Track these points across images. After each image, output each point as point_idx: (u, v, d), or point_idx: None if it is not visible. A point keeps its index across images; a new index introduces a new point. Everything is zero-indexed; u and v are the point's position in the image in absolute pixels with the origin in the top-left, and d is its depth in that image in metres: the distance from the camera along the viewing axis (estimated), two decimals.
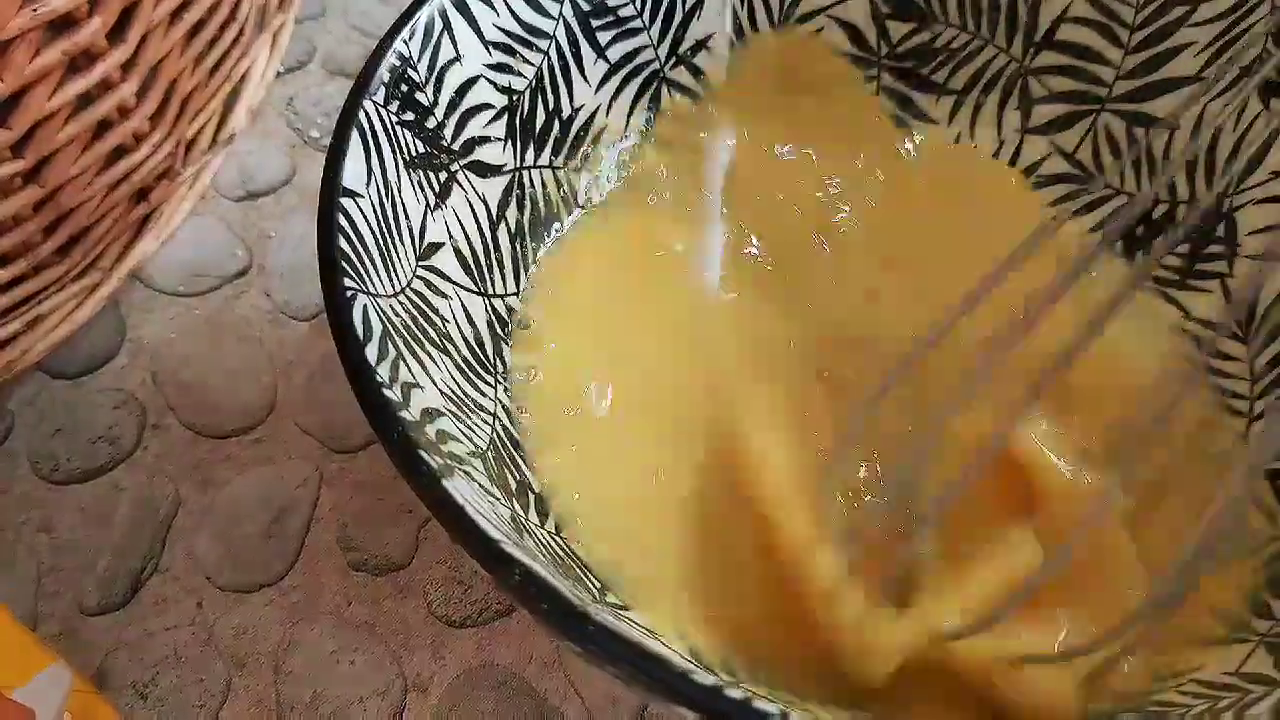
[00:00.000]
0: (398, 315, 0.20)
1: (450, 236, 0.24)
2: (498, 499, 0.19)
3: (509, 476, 0.22)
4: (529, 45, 0.26)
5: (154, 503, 0.28)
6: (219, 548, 0.27)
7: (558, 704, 0.25)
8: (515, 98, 0.26)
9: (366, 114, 0.21)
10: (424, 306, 0.22)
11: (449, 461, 0.18)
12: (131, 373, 0.30)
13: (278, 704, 0.25)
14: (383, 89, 0.22)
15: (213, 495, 0.28)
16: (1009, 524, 0.22)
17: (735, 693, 0.15)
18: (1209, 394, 0.26)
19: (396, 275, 0.21)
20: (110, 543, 0.27)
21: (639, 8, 0.28)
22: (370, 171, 0.21)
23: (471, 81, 0.25)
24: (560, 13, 0.26)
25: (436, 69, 0.24)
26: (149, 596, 0.26)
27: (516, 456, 0.23)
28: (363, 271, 0.19)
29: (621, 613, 0.20)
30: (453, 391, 0.21)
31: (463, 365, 0.22)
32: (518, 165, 0.26)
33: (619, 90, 0.28)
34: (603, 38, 0.27)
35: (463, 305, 0.24)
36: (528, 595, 0.15)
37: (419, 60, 0.23)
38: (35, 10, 0.22)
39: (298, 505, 0.28)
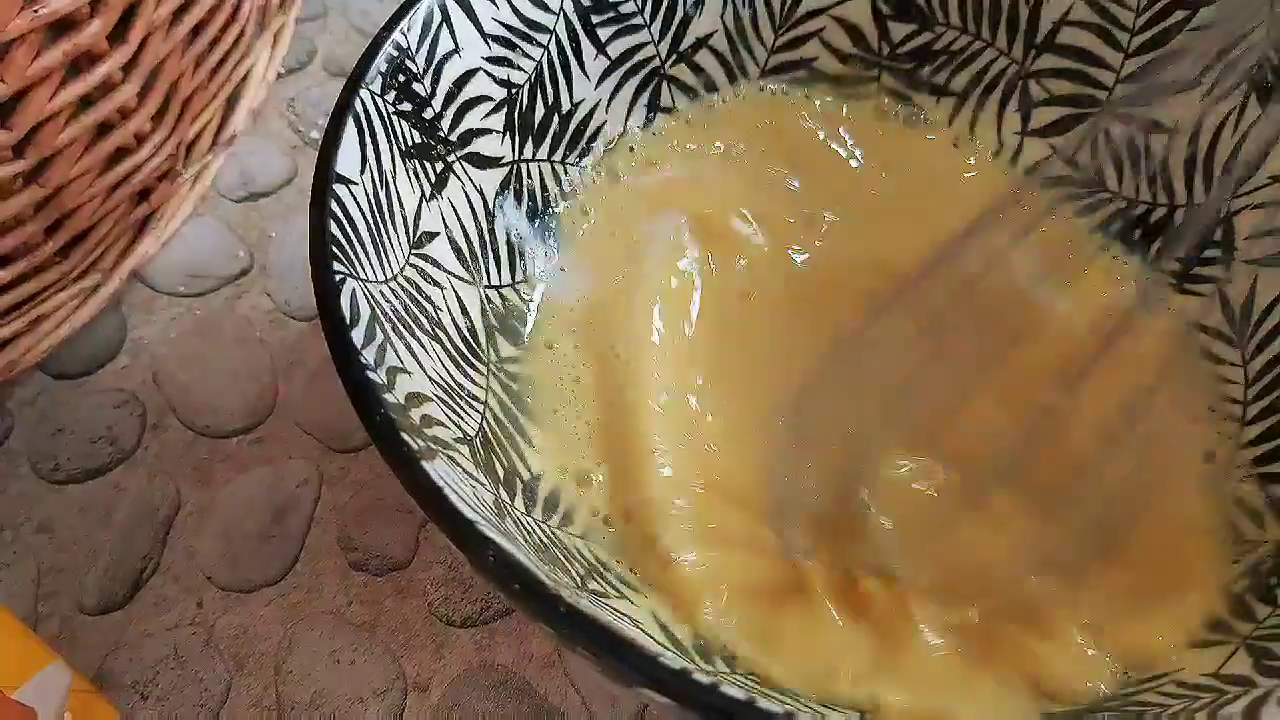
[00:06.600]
0: (388, 301, 0.20)
1: (445, 226, 0.24)
2: (482, 484, 0.19)
3: (497, 464, 0.22)
4: (529, 39, 0.26)
5: (154, 503, 0.28)
6: (219, 548, 0.27)
7: (558, 704, 0.25)
8: (514, 91, 0.26)
9: (363, 102, 0.21)
10: (416, 294, 0.22)
11: (432, 445, 0.18)
12: (132, 373, 0.30)
13: (278, 704, 0.25)
14: (380, 78, 0.22)
15: (213, 495, 0.28)
16: None
17: (703, 678, 0.15)
18: (1205, 397, 0.26)
19: (388, 262, 0.21)
20: (110, 543, 0.27)
21: (640, 4, 0.28)
22: (365, 159, 0.21)
23: (470, 74, 0.25)
24: (561, 7, 0.26)
25: (435, 60, 0.24)
26: (149, 596, 0.26)
27: (506, 444, 0.23)
28: (353, 257, 0.19)
29: (603, 600, 0.20)
30: (442, 379, 0.21)
31: (454, 353, 0.23)
32: (516, 158, 0.26)
33: (619, 86, 0.28)
34: (603, 33, 0.27)
35: (456, 295, 0.24)
36: (501, 576, 0.15)
37: (417, 51, 0.23)
38: (36, 12, 0.22)
39: (298, 505, 0.28)
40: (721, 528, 0.23)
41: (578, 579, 0.21)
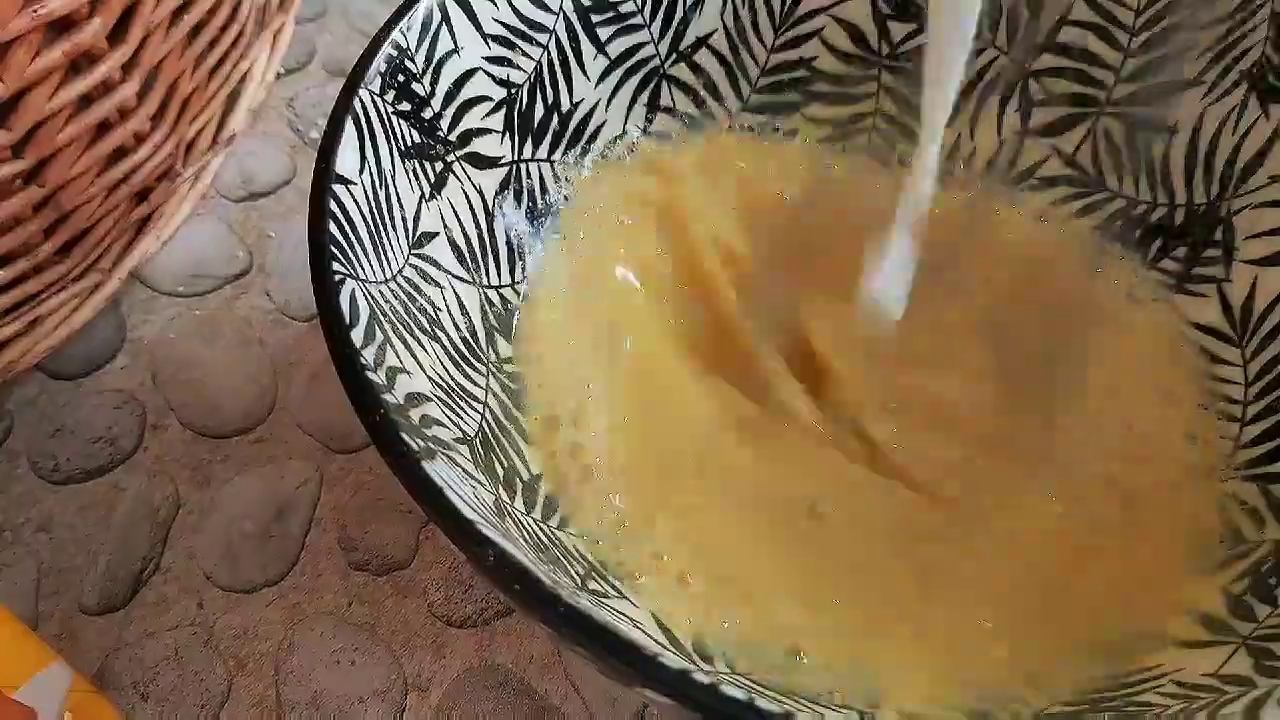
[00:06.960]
0: (387, 301, 0.20)
1: (445, 226, 0.24)
2: (482, 484, 0.19)
3: (497, 464, 0.22)
4: (528, 39, 0.26)
5: (154, 503, 0.28)
6: (219, 548, 0.27)
7: (558, 704, 0.25)
8: (514, 91, 0.26)
9: (362, 102, 0.21)
10: (415, 294, 0.22)
11: (431, 445, 0.18)
12: (132, 373, 0.30)
13: (278, 704, 0.25)
14: (379, 78, 0.22)
15: (213, 495, 0.28)
16: None
17: (703, 677, 0.15)
18: (1203, 398, 0.26)
19: (388, 262, 0.21)
20: (110, 543, 0.27)
21: (639, 4, 0.28)
22: (364, 159, 0.21)
23: (470, 74, 0.25)
24: (561, 7, 0.26)
25: (434, 60, 0.24)
26: (149, 596, 0.26)
27: (506, 445, 0.23)
28: (353, 257, 0.19)
29: (603, 600, 0.20)
30: (442, 379, 0.21)
31: (454, 353, 0.23)
32: (515, 158, 0.26)
33: (619, 86, 0.28)
34: (603, 33, 0.27)
35: (456, 295, 0.24)
36: (501, 576, 0.15)
37: (416, 51, 0.23)
38: (36, 11, 0.22)
39: (298, 505, 0.28)
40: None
41: (578, 579, 0.21)
